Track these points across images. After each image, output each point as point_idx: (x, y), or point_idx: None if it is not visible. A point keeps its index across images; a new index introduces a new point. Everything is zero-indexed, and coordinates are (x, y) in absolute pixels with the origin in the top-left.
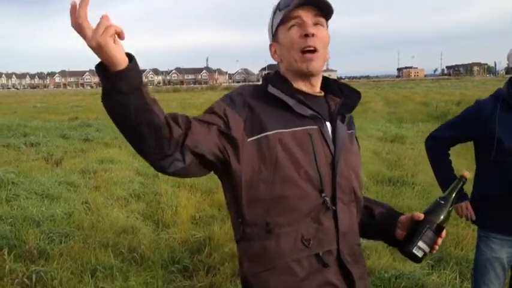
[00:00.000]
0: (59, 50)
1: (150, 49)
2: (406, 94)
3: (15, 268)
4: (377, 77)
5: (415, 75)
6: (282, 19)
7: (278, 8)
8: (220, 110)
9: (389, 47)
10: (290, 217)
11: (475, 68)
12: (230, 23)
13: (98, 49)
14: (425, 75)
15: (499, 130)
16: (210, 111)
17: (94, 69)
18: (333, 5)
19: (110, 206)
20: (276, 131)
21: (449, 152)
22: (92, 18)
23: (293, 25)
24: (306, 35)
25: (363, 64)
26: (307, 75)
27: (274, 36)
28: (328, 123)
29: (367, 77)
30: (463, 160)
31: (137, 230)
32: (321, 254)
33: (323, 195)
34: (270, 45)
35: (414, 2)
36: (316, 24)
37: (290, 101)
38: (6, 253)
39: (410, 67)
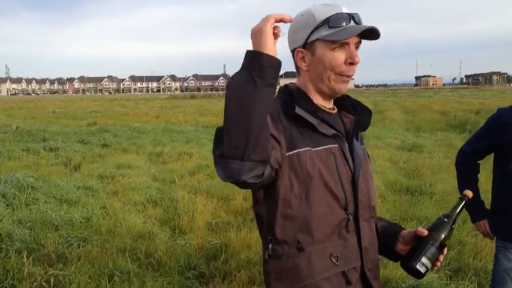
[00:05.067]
0: (79, 56)
1: (168, 55)
2: (424, 103)
3: (33, 271)
4: (395, 85)
5: (433, 84)
6: (329, 40)
7: (327, 24)
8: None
9: (408, 55)
10: (319, 235)
11: (495, 77)
12: (248, 30)
13: (257, 33)
14: (443, 84)
15: None
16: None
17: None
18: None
19: (127, 211)
20: (306, 148)
21: (479, 163)
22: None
23: (338, 47)
24: (351, 63)
25: (381, 72)
26: (332, 95)
27: (308, 44)
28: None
29: (385, 85)
30: (482, 170)
31: (154, 236)
32: (346, 271)
33: (347, 212)
34: (297, 50)
35: (433, 10)
36: (357, 47)
37: (314, 121)
38: (25, 256)
39: (429, 76)
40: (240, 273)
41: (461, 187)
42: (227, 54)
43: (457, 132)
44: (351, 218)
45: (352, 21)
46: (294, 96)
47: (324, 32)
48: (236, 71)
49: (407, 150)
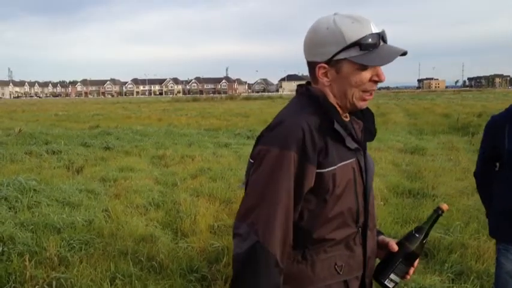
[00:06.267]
0: (81, 59)
1: (170, 58)
2: (427, 105)
3: (35, 275)
4: (397, 88)
5: (436, 87)
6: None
7: (358, 46)
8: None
9: (410, 57)
10: (327, 245)
11: (497, 80)
12: (250, 33)
13: None
14: (446, 87)
15: (509, 144)
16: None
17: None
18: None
19: (129, 214)
20: (331, 168)
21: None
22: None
23: (368, 68)
24: (376, 82)
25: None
26: (352, 110)
27: (333, 62)
28: None
29: (387, 88)
30: None
31: (156, 239)
32: (347, 280)
33: (358, 225)
34: (319, 65)
35: (435, 13)
36: None
37: (345, 135)
38: (27, 259)
39: (431, 78)
40: None
41: (481, 197)
42: (229, 57)
43: (459, 134)
44: (360, 230)
45: (381, 41)
46: (323, 106)
47: (354, 53)
48: (237, 73)
49: (409, 152)
